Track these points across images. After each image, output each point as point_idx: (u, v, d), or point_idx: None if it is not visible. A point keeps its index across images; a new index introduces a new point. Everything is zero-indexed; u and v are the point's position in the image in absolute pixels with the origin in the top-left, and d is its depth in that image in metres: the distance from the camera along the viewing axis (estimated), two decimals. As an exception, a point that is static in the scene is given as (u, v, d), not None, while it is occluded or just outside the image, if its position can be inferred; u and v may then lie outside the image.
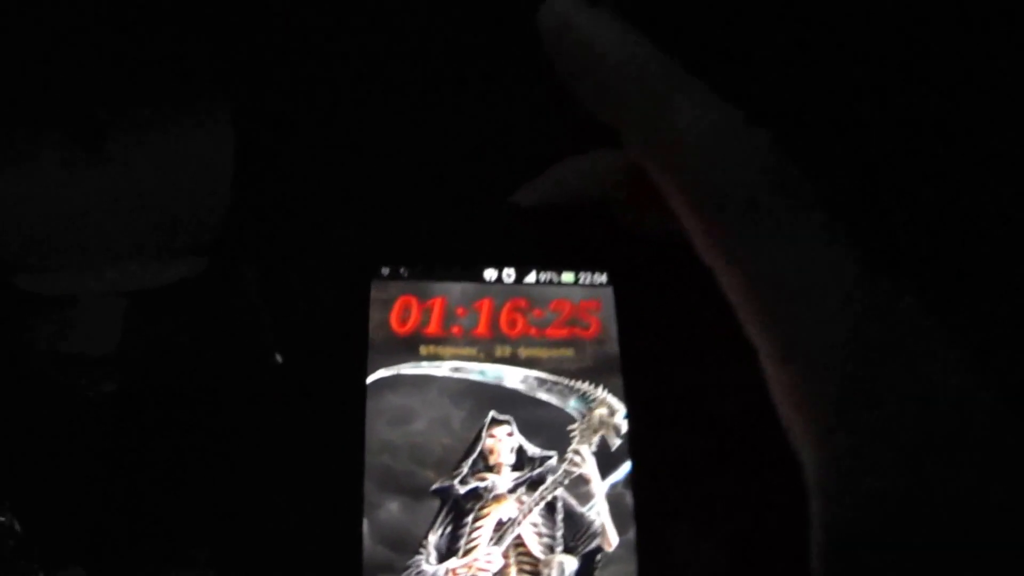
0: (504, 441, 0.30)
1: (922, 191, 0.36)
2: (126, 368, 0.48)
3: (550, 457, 0.31)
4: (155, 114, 0.51)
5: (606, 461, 0.31)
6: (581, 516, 0.30)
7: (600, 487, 0.30)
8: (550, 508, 0.30)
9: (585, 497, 0.30)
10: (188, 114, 0.51)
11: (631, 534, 0.30)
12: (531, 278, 0.33)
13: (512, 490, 0.30)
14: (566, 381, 0.31)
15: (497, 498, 0.30)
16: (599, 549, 0.30)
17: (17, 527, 0.43)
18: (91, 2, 0.49)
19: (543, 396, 0.31)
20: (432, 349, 0.31)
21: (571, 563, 0.29)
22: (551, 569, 0.29)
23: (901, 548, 0.17)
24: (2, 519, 0.43)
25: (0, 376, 0.49)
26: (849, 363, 0.18)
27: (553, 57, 0.24)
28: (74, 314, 0.51)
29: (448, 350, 0.31)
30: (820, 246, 0.20)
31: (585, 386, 0.31)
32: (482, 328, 0.31)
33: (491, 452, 0.30)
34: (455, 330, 0.31)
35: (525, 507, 0.30)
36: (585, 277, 0.33)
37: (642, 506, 0.30)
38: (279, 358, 0.45)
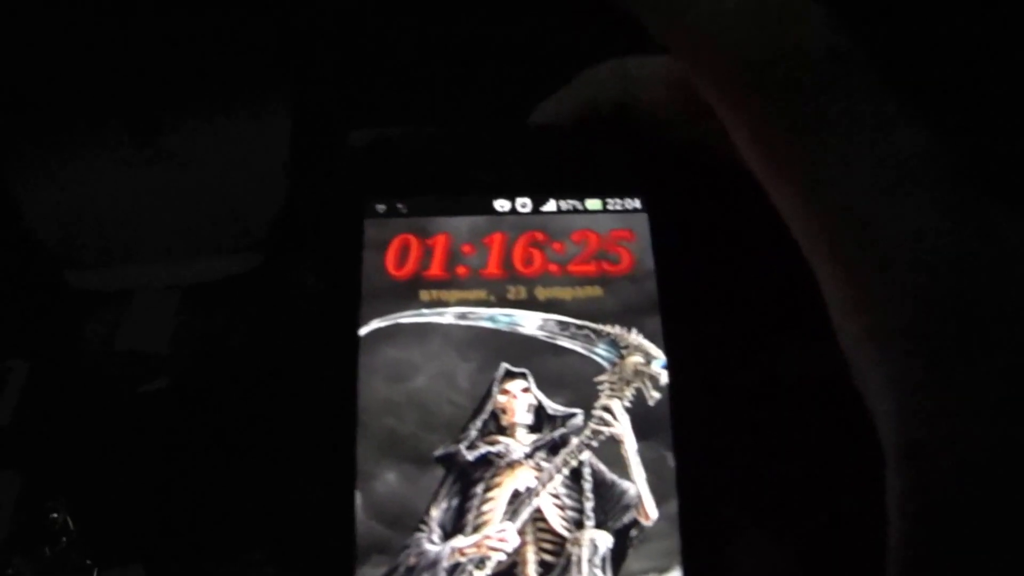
0: (519, 398, 0.26)
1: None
2: (179, 364, 0.48)
3: (574, 415, 0.26)
4: (210, 110, 0.52)
5: (642, 419, 0.26)
6: (613, 484, 0.25)
7: (635, 450, 0.25)
8: (575, 476, 0.25)
9: (617, 462, 0.26)
10: (243, 110, 0.51)
11: (673, 505, 0.25)
12: (550, 206, 0.28)
13: (529, 455, 0.26)
14: (592, 324, 0.26)
15: (512, 465, 0.26)
16: (635, 523, 0.25)
17: (71, 524, 0.43)
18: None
19: (565, 343, 0.26)
20: (434, 294, 0.27)
21: (604, 539, 0.25)
22: (581, 548, 0.24)
23: (1001, 508, 0.13)
24: (55, 515, 0.43)
25: (54, 372, 0.49)
26: (943, 313, 0.14)
27: None
28: (127, 310, 0.51)
29: (453, 294, 0.27)
30: (899, 146, 0.16)
31: (616, 330, 0.26)
32: (493, 267, 0.27)
33: (504, 411, 0.26)
34: (461, 271, 0.27)
35: (545, 475, 0.25)
36: (614, 203, 0.28)
37: (685, 472, 0.25)
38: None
